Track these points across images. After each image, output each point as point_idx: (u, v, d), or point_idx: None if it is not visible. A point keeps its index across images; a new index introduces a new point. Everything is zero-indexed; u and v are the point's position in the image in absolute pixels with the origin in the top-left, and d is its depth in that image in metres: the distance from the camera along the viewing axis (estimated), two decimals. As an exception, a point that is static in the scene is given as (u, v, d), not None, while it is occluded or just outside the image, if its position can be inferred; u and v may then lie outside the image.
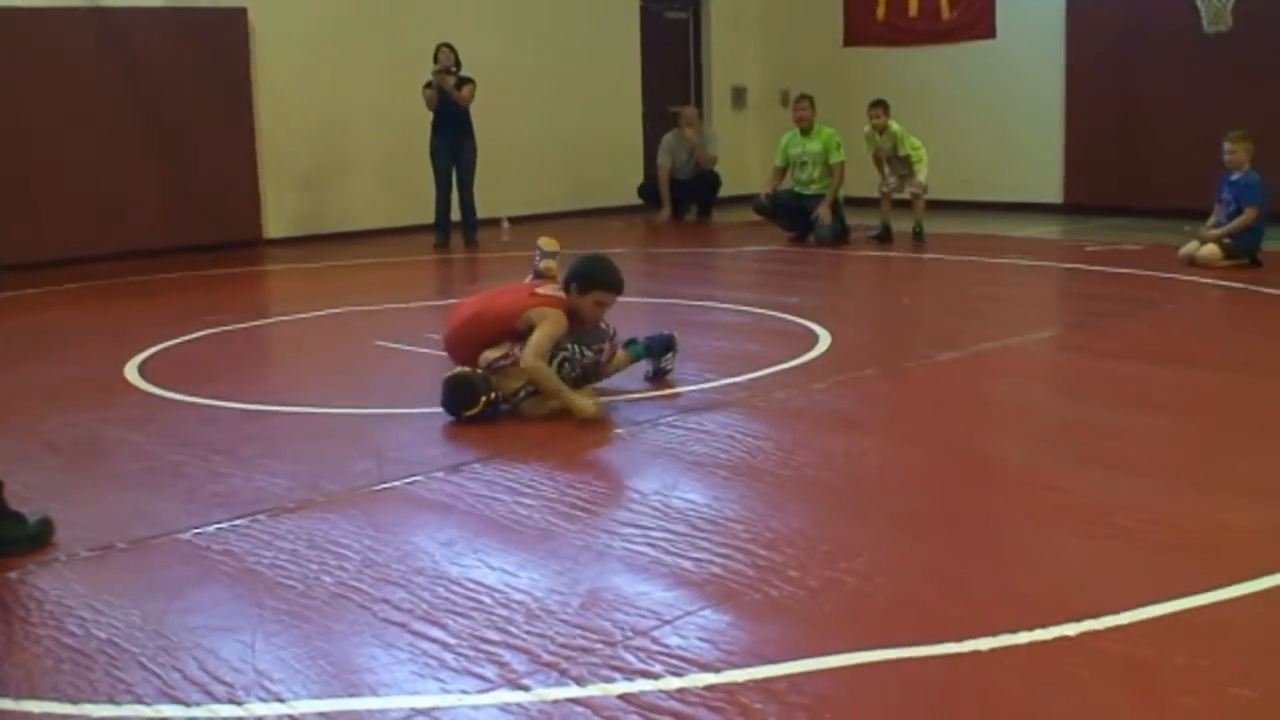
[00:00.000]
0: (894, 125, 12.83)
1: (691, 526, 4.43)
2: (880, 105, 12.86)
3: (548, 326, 6.01)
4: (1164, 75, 14.15)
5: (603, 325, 6.34)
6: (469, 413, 5.85)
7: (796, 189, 13.21)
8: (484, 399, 5.85)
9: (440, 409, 5.96)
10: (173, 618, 3.77)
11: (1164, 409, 6.12)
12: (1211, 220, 10.69)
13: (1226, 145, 10.66)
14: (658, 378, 6.62)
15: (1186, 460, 5.29)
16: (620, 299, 6.29)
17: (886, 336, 8.49)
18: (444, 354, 6.46)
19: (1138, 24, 14.26)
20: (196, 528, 4.53)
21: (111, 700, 3.25)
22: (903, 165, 12.91)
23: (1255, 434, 5.65)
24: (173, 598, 3.95)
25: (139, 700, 3.24)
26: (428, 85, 13.12)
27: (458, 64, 13.11)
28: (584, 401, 5.89)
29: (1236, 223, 10.40)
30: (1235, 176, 10.61)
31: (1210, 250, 10.37)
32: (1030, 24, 15.17)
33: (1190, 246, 10.64)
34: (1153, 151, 14.08)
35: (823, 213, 12.82)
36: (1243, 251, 10.37)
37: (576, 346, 6.18)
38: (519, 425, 5.86)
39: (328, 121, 13.99)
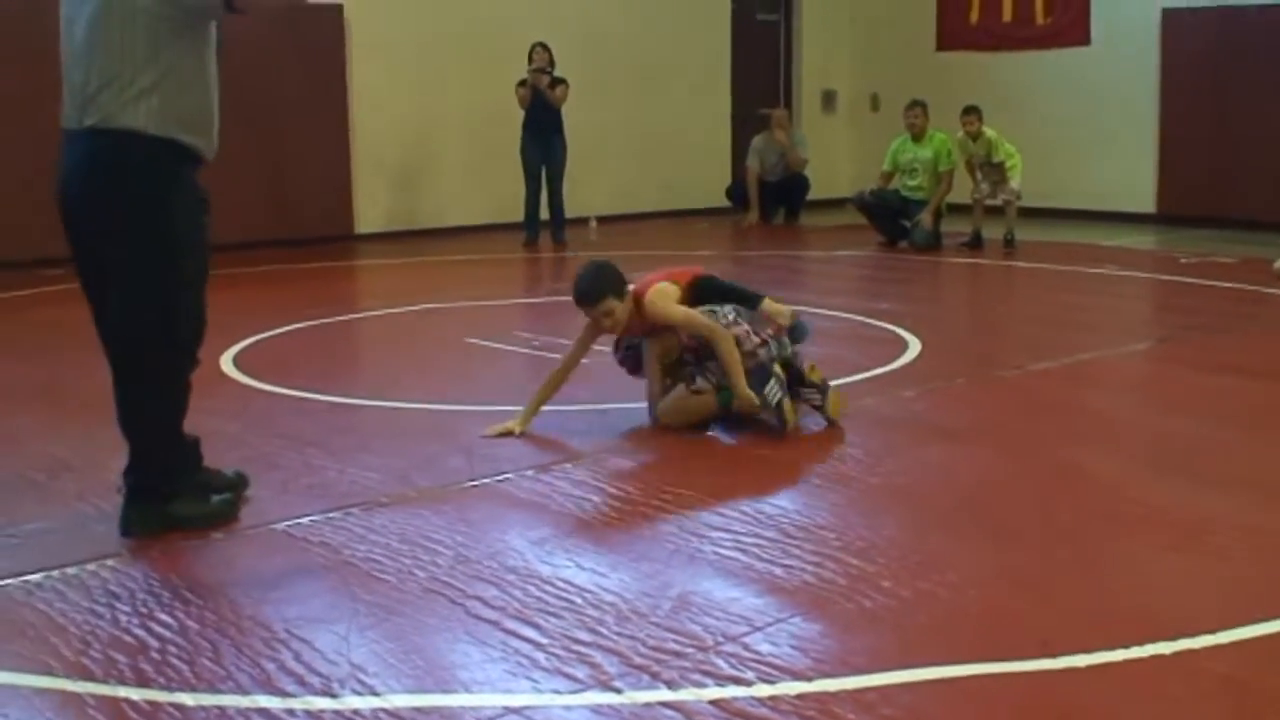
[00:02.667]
0: (988, 131, 12.73)
1: (783, 533, 4.42)
2: (974, 111, 12.76)
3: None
4: (1260, 85, 13.94)
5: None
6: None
7: (904, 193, 13.15)
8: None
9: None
10: (269, 608, 3.82)
11: (1259, 424, 6.04)
12: None
13: None
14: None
15: (1278, 477, 5.21)
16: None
17: (977, 345, 8.43)
18: (532, 351, 6.42)
19: (1233, 32, 14.06)
20: (292, 519, 4.59)
21: (212, 688, 3.30)
22: (996, 172, 12.81)
23: (1355, 452, 5.56)
24: (269, 589, 4.01)
25: (238, 689, 3.29)
26: (521, 84, 13.18)
27: (552, 63, 13.16)
28: (748, 391, 5.71)
29: None
30: None
31: None
32: (1125, 31, 14.99)
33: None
34: (1247, 162, 13.87)
35: (925, 218, 12.76)
36: None
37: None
38: (607, 426, 5.87)
39: (420, 119, 14.10)
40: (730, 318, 5.85)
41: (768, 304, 6.10)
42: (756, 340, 5.83)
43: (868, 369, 7.01)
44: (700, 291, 6.02)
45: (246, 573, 4.18)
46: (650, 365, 5.95)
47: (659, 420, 5.85)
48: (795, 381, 5.90)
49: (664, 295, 5.85)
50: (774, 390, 5.68)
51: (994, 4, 16.21)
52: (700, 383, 5.81)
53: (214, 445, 4.90)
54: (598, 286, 5.76)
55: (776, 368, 5.78)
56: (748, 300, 6.06)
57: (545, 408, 5.92)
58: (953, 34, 16.61)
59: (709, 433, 5.76)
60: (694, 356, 5.92)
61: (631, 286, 5.92)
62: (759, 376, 5.71)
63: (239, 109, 12.24)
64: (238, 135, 12.54)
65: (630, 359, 6.15)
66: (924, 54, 16.72)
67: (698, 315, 5.79)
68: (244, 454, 5.26)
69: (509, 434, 5.73)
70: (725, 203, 16.08)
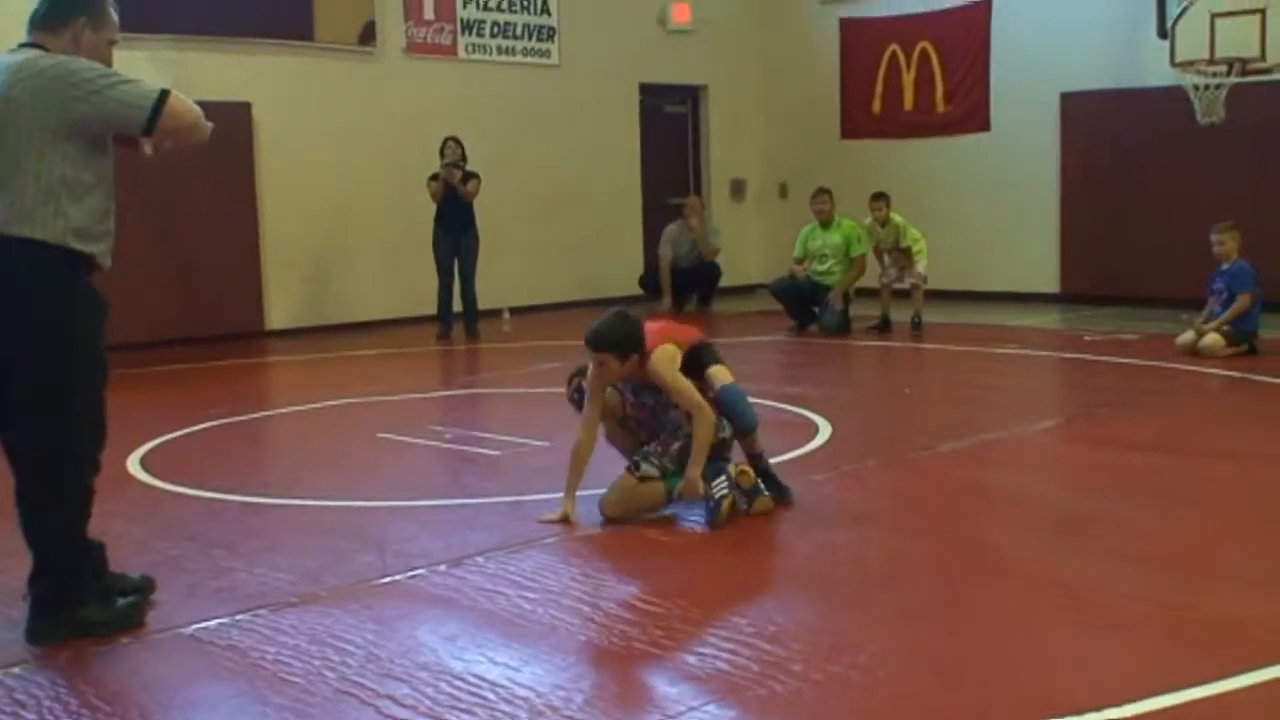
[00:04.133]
0: (896, 217, 12.96)
1: (694, 621, 4.43)
2: (882, 198, 12.99)
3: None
4: (1158, 166, 14.29)
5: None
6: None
7: (815, 278, 13.30)
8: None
9: (440, 502, 5.95)
10: (176, 714, 3.78)
11: (1167, 499, 6.13)
12: (1205, 312, 10.79)
13: (1215, 237, 10.81)
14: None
15: (1190, 551, 5.28)
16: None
17: (888, 427, 8.50)
18: (445, 445, 6.38)
19: (1131, 116, 14.41)
20: (199, 622, 4.52)
21: (115, 799, 3.24)
22: (903, 256, 13.02)
23: (1260, 524, 5.66)
24: (176, 694, 3.95)
25: (142, 798, 3.23)
26: (433, 178, 13.24)
27: (464, 158, 13.23)
28: (698, 478, 5.72)
29: (1233, 309, 10.48)
30: (1225, 266, 10.73)
31: (1213, 339, 10.40)
32: (1025, 116, 15.32)
33: (1187, 336, 10.69)
34: (1148, 241, 14.18)
35: (834, 297, 12.93)
36: (1243, 338, 10.43)
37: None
38: (520, 518, 5.85)
39: (331, 214, 14.09)
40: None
41: (716, 369, 5.98)
42: (725, 433, 5.88)
43: (779, 453, 7.00)
44: (692, 358, 5.95)
45: (154, 679, 4.12)
46: (593, 391, 5.89)
47: (602, 511, 5.75)
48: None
49: (669, 360, 5.79)
50: (721, 486, 5.69)
51: (895, 94, 16.53)
52: (645, 468, 5.79)
53: (120, 549, 4.84)
54: (603, 339, 5.71)
55: (731, 468, 5.80)
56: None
57: (461, 500, 5.89)
58: (856, 123, 16.90)
59: (619, 524, 5.75)
60: (636, 425, 5.95)
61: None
62: (712, 469, 5.74)
63: (146, 206, 12.32)
64: (144, 232, 12.65)
65: (580, 399, 6.04)
66: (829, 142, 16.99)
67: (693, 391, 5.77)
68: (150, 558, 5.19)
69: (565, 520, 5.70)
70: (639, 290, 16.17)
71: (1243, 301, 10.45)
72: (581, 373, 6.01)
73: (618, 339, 5.73)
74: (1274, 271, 11.89)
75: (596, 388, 5.88)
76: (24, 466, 4.36)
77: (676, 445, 5.84)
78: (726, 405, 5.93)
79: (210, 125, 4.42)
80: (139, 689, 4.02)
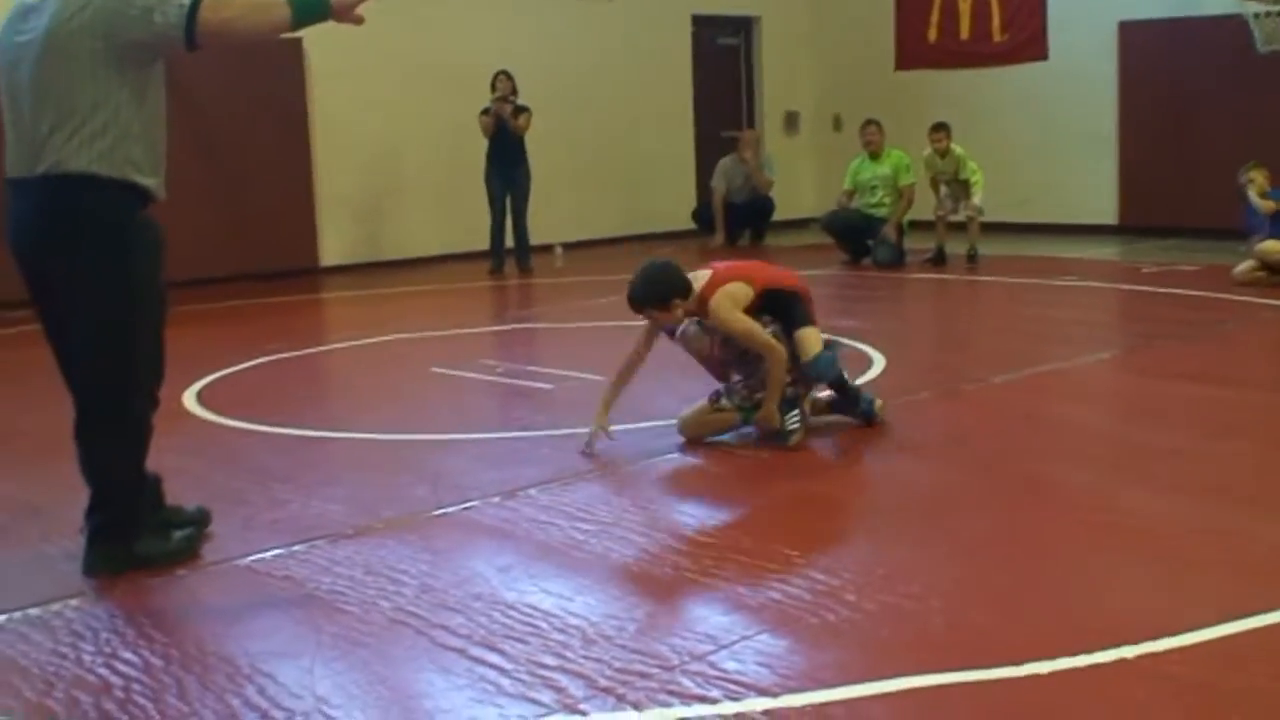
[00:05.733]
0: (956, 148, 12.84)
1: (747, 551, 4.42)
2: (943, 128, 12.87)
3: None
4: (1217, 95, 14.05)
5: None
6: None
7: (865, 211, 13.23)
8: None
9: (492, 435, 5.98)
10: (232, 644, 3.81)
11: (1222, 431, 6.07)
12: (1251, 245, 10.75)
13: (1244, 177, 10.81)
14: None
15: (1247, 482, 5.23)
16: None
17: (942, 359, 8.46)
18: (497, 379, 6.40)
19: (1191, 44, 14.17)
20: (255, 554, 4.57)
21: (174, 725, 3.28)
22: (960, 188, 12.90)
23: (1316, 455, 5.60)
24: (232, 623, 4.00)
25: (201, 725, 3.28)
26: (484, 112, 13.20)
27: (515, 92, 13.19)
28: (775, 412, 5.83)
29: (1265, 202, 10.64)
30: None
31: (1270, 245, 10.39)
32: (1083, 46, 15.09)
33: (1243, 267, 10.59)
34: (1207, 172, 13.95)
35: (887, 232, 12.86)
36: None
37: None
38: (570, 451, 5.86)
39: (382, 150, 14.11)
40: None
41: (805, 332, 5.96)
42: (787, 378, 5.89)
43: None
44: (770, 301, 5.94)
45: (210, 609, 4.17)
46: (645, 331, 5.99)
47: (680, 430, 5.92)
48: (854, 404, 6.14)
49: (731, 301, 5.80)
50: (794, 419, 5.79)
51: (951, 23, 16.30)
52: (725, 402, 5.93)
53: (177, 483, 4.88)
54: (642, 295, 5.78)
55: (804, 403, 5.90)
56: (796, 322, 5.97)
57: (514, 434, 5.92)
58: (911, 53, 16.70)
59: (673, 454, 5.77)
60: (724, 365, 5.99)
61: (708, 272, 5.92)
62: (786, 403, 5.82)
63: (199, 143, 12.37)
64: (198, 169, 12.70)
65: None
66: (884, 73, 16.81)
67: (759, 330, 5.80)
68: (207, 491, 5.23)
69: (599, 437, 5.82)
70: (691, 225, 16.13)
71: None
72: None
73: (652, 293, 5.78)
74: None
75: (647, 331, 5.98)
76: (85, 401, 4.40)
77: (761, 394, 5.88)
78: (810, 377, 5.94)
79: (281, 3, 4.21)
80: (195, 619, 4.07)
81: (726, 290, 5.81)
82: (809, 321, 5.96)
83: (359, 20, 4.36)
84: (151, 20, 4.16)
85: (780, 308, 5.97)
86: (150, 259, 4.40)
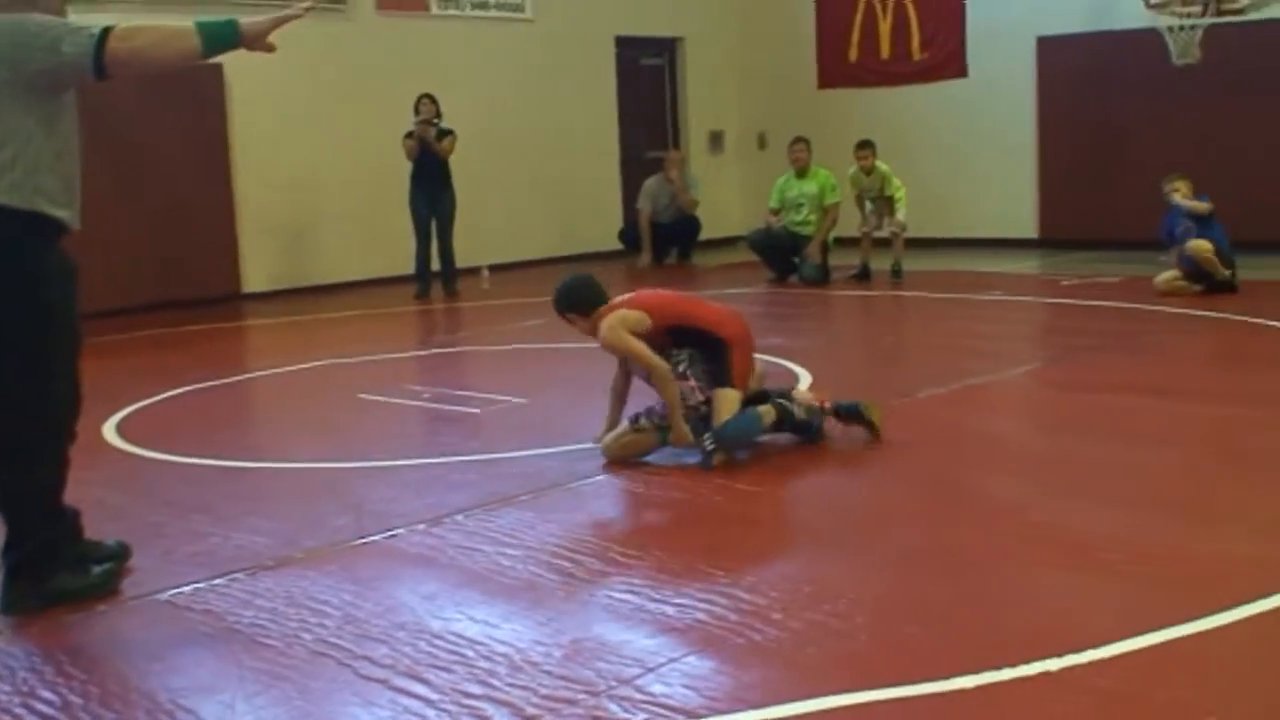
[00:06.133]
0: (881, 166, 12.95)
1: (673, 572, 4.42)
2: (868, 146, 13.00)
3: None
4: (1135, 109, 14.27)
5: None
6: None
7: (791, 229, 13.28)
8: None
9: (419, 461, 5.95)
10: (153, 680, 3.74)
11: (1144, 441, 6.13)
12: (1171, 257, 10.89)
13: (1167, 188, 10.91)
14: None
15: (1167, 492, 5.28)
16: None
17: (869, 374, 8.49)
18: (424, 404, 6.38)
19: (1107, 59, 14.38)
20: (175, 588, 4.50)
21: (90, 765, 3.22)
22: (884, 204, 13.01)
23: (1235, 464, 5.67)
24: (153, 659, 3.93)
25: (118, 765, 3.21)
26: (408, 136, 13.16)
27: (438, 115, 13.15)
28: (685, 428, 5.92)
29: (1197, 204, 10.71)
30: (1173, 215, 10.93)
31: (1201, 244, 10.52)
32: (1002, 61, 15.27)
33: (1164, 276, 10.73)
34: (1125, 184, 14.15)
35: (812, 250, 12.91)
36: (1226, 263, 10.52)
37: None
38: (497, 476, 5.84)
39: (305, 175, 13.99)
40: (680, 369, 5.97)
41: (720, 394, 5.98)
42: (699, 398, 5.93)
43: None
44: (685, 338, 6.07)
45: (130, 644, 4.09)
46: (617, 373, 6.23)
47: (604, 454, 5.99)
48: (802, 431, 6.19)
49: (620, 322, 5.96)
50: (711, 439, 5.81)
51: (871, 42, 16.46)
52: (643, 422, 5.97)
53: (96, 516, 4.80)
54: (560, 299, 6.17)
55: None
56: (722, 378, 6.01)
57: (440, 459, 5.90)
58: (833, 72, 16.84)
59: (599, 477, 5.76)
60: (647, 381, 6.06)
61: (630, 298, 6.17)
62: (702, 425, 5.89)
63: (118, 171, 12.25)
64: (117, 197, 12.57)
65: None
66: (807, 92, 16.94)
67: (644, 350, 5.91)
68: (127, 524, 5.16)
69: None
70: (618, 245, 16.14)
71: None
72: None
73: (573, 299, 6.13)
74: (1248, 210, 11.95)
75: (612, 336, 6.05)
76: None
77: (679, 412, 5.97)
78: (721, 443, 5.90)
79: (191, 33, 4.17)
80: (115, 655, 3.99)
81: (619, 314, 6.00)
82: (729, 382, 5.99)
83: (270, 49, 4.32)
84: (60, 50, 4.10)
85: (709, 350, 6.05)
86: (63, 291, 4.33)
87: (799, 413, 6.16)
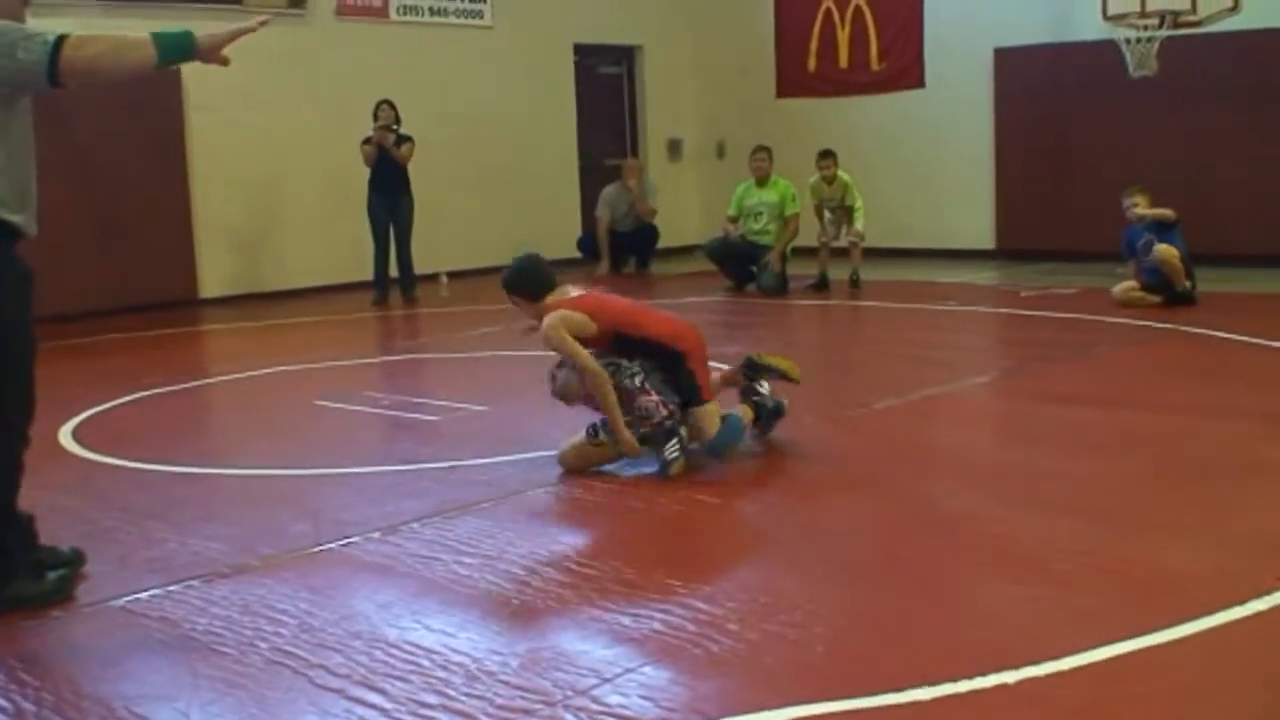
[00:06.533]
0: (843, 175, 13.00)
1: (629, 583, 4.41)
2: (830, 155, 13.05)
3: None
4: (1092, 120, 14.36)
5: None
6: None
7: (749, 238, 13.31)
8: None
9: (376, 468, 5.94)
10: (107, 687, 3.72)
11: (1100, 452, 6.17)
12: (1128, 269, 10.97)
13: (1127, 201, 10.98)
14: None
15: (1125, 503, 5.32)
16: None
17: (825, 385, 8.48)
18: (382, 411, 6.36)
19: (1065, 70, 14.47)
20: (131, 594, 4.47)
21: (43, 775, 3.19)
22: (843, 214, 13.06)
23: (1190, 475, 5.71)
24: (107, 666, 3.90)
25: (71, 774, 3.19)
26: (366, 141, 13.13)
27: (397, 121, 13.13)
28: (629, 437, 5.89)
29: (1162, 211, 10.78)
30: (1134, 228, 10.99)
31: (1128, 284, 10.59)
32: (959, 72, 15.36)
33: (1122, 287, 10.82)
34: (1083, 196, 14.25)
35: (772, 259, 12.94)
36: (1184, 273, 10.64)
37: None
38: (455, 484, 5.83)
39: (262, 180, 13.94)
40: (637, 382, 5.92)
41: (700, 411, 6.03)
42: (664, 413, 5.89)
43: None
44: (629, 347, 6.02)
45: (84, 651, 4.06)
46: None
47: (560, 464, 5.96)
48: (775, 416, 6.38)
49: (562, 322, 5.89)
50: (673, 448, 5.80)
51: (830, 52, 16.52)
52: (601, 435, 5.93)
53: (51, 522, 4.77)
54: (508, 281, 6.14)
55: (683, 430, 5.90)
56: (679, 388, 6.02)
57: (398, 466, 5.90)
58: (792, 82, 16.89)
59: (557, 486, 5.75)
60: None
61: (578, 294, 6.11)
62: (664, 433, 5.84)
63: (74, 175, 12.17)
64: (72, 199, 12.48)
65: (561, 391, 6.18)
66: (766, 101, 16.98)
67: (582, 353, 5.87)
68: (82, 530, 5.13)
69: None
70: (576, 253, 16.12)
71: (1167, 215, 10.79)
72: (558, 365, 6.10)
73: (521, 281, 6.10)
74: (1206, 222, 12.04)
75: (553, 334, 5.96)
76: None
77: (642, 429, 5.92)
78: (718, 456, 6.00)
79: (146, 43, 4.14)
80: (69, 662, 3.96)
81: (563, 313, 5.93)
82: (698, 396, 6.01)
83: (224, 62, 4.30)
84: (15, 56, 4.07)
85: (662, 362, 6.03)
86: (18, 296, 4.30)
87: (768, 402, 6.27)
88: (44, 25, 4.38)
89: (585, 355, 5.88)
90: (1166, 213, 10.76)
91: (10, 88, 4.16)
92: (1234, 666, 3.64)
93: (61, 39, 4.07)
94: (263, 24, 4.37)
